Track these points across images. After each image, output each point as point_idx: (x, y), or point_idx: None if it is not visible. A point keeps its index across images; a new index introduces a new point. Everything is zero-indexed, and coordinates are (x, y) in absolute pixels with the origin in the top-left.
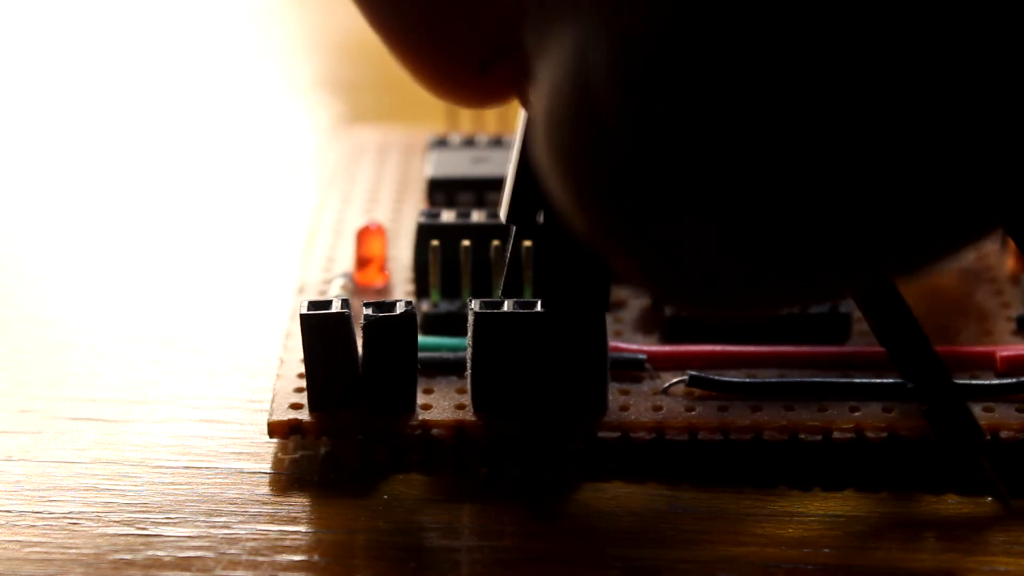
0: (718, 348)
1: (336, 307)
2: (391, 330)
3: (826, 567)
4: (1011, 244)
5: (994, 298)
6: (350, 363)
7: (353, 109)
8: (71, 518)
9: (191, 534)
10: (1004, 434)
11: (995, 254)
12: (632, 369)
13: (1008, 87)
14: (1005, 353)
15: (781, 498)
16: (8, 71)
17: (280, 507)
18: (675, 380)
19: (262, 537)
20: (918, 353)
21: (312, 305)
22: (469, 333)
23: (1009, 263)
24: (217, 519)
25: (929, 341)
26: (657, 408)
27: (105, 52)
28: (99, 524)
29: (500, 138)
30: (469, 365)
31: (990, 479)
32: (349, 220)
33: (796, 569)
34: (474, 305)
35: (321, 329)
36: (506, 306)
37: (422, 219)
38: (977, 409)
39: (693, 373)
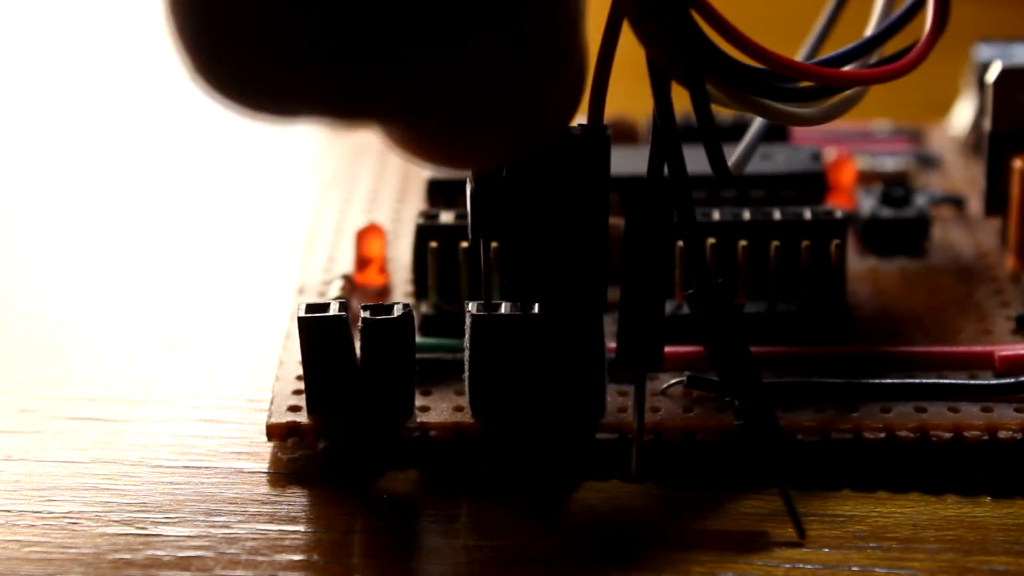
0: None
1: (334, 310)
2: (388, 332)
3: (826, 567)
4: (1011, 243)
5: (994, 297)
6: (348, 365)
7: None
8: (71, 518)
9: (191, 533)
10: (1002, 434)
11: (995, 254)
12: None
13: None
14: (1004, 353)
15: (780, 498)
16: (9, 71)
17: (279, 506)
18: (673, 381)
19: (261, 536)
20: (736, 357)
21: (310, 308)
22: (467, 336)
23: (1009, 262)
24: (216, 518)
25: (748, 347)
26: (655, 409)
27: (105, 52)
28: (99, 524)
29: None
30: (467, 368)
31: (789, 510)
32: (350, 220)
33: (796, 569)
34: (471, 308)
35: (319, 332)
36: (503, 309)
37: (421, 220)
38: (975, 409)
39: (691, 374)
